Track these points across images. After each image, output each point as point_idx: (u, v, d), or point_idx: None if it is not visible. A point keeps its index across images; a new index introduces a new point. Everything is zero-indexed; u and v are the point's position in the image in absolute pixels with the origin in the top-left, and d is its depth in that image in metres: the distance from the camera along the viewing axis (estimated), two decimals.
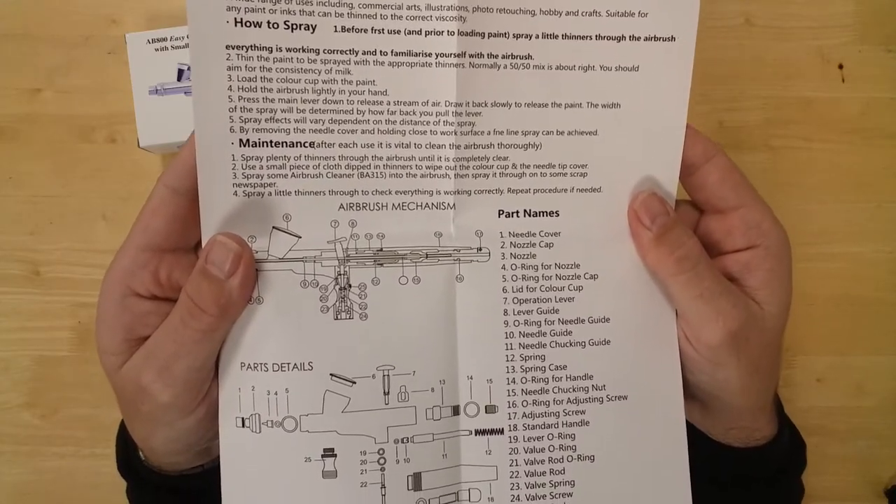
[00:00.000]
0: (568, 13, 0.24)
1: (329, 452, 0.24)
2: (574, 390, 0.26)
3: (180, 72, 0.44)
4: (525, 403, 0.26)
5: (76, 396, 0.48)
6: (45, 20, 0.48)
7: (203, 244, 0.23)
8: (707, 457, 0.29)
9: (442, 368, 0.25)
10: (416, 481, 0.25)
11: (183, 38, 0.44)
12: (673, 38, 0.24)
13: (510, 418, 0.26)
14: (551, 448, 0.26)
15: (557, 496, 0.25)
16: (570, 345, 0.26)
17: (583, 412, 0.26)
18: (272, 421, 0.24)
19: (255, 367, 0.24)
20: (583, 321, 0.26)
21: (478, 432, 0.25)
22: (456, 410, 0.25)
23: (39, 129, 0.48)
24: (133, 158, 0.47)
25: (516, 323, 0.26)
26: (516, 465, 0.26)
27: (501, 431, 0.25)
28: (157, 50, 0.44)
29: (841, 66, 0.50)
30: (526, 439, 0.26)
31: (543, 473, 0.26)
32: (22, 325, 0.48)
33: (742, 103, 0.50)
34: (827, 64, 0.50)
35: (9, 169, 0.48)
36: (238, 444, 0.24)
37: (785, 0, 0.50)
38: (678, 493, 0.26)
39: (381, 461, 0.25)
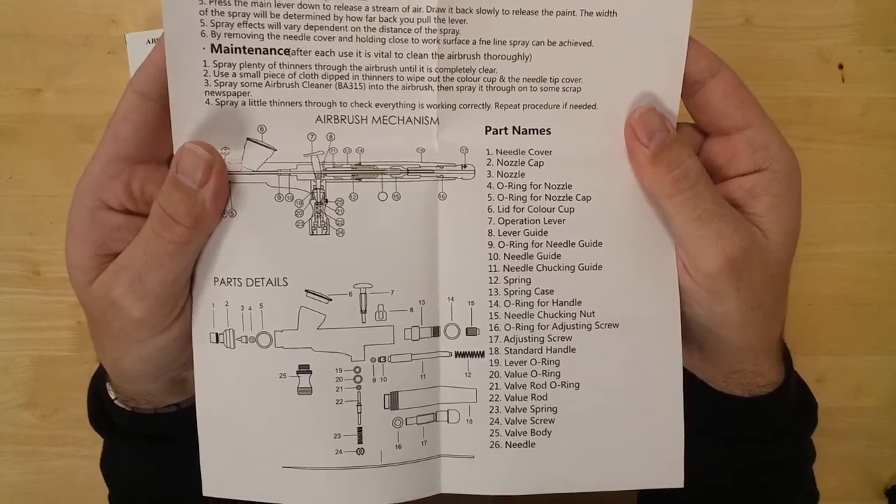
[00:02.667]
0: None
1: (304, 369, 0.24)
2: (560, 315, 0.25)
3: None
4: (508, 327, 0.25)
5: (76, 396, 0.48)
6: (45, 20, 0.48)
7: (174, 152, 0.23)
8: (709, 408, 0.28)
9: (422, 288, 0.24)
10: (394, 400, 0.24)
11: None
12: None
13: (491, 341, 0.25)
14: (534, 373, 0.25)
15: (539, 421, 0.25)
16: (559, 268, 0.25)
17: (569, 338, 0.25)
18: (246, 336, 0.24)
19: (228, 282, 0.23)
20: (573, 244, 0.25)
21: (458, 354, 0.25)
22: (436, 332, 0.25)
23: (39, 129, 0.47)
24: None
25: (501, 244, 0.24)
26: (496, 388, 0.25)
27: (482, 354, 0.25)
28: None
29: (841, 66, 0.50)
30: (507, 363, 0.25)
31: (525, 398, 0.25)
32: (22, 325, 0.48)
33: None
34: (827, 64, 0.50)
35: (9, 169, 0.48)
36: (212, 360, 0.24)
37: (785, 0, 0.50)
38: (670, 426, 0.25)
39: (358, 379, 0.24)
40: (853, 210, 0.50)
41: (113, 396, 0.27)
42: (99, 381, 0.29)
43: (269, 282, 0.23)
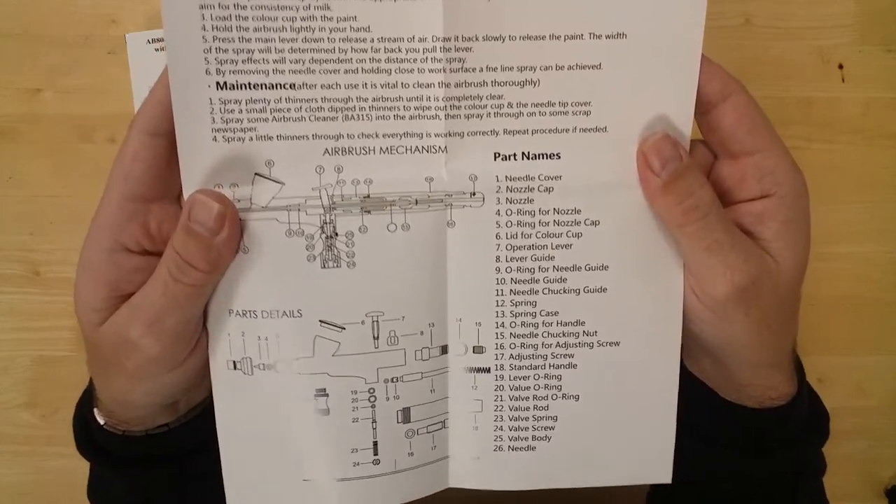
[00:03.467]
0: None
1: (321, 392, 0.25)
2: (564, 335, 0.26)
3: None
4: (513, 346, 0.26)
5: (76, 396, 0.48)
6: (45, 20, 0.48)
7: (184, 194, 0.23)
8: (719, 417, 0.28)
9: (431, 313, 0.25)
10: (406, 415, 0.26)
11: None
12: None
13: (497, 358, 0.26)
14: (536, 387, 0.26)
15: (540, 429, 0.26)
16: (564, 291, 0.25)
17: (571, 356, 0.26)
18: (263, 364, 0.24)
19: (244, 314, 0.24)
20: (579, 268, 0.25)
21: (465, 370, 0.26)
22: (444, 350, 0.26)
23: (39, 129, 0.47)
24: None
25: (508, 269, 0.25)
26: (501, 400, 0.26)
27: (488, 370, 0.26)
28: (157, 50, 0.44)
29: (841, 66, 0.50)
30: (512, 378, 0.26)
31: (527, 409, 0.26)
32: (22, 325, 0.48)
33: None
34: (827, 64, 0.50)
35: (9, 169, 0.48)
36: (230, 386, 0.24)
37: (785, 0, 0.50)
38: (663, 429, 0.26)
39: (372, 399, 0.25)
40: (853, 210, 0.50)
41: (102, 422, 0.27)
42: (85, 407, 0.29)
43: (284, 313, 0.24)
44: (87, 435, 0.28)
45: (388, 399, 0.25)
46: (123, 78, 0.44)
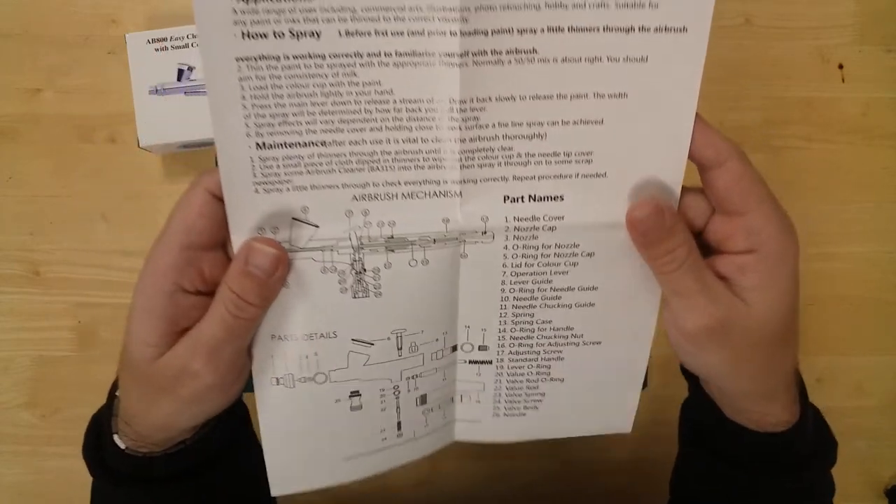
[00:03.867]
0: (575, 6, 0.23)
1: (354, 393, 0.29)
2: (555, 337, 0.30)
3: (180, 72, 0.44)
4: (512, 345, 0.30)
5: (76, 396, 0.48)
6: (45, 20, 0.48)
7: (232, 240, 0.26)
8: (725, 433, 0.30)
9: (445, 324, 0.29)
10: (423, 399, 0.31)
11: (183, 37, 0.44)
12: (685, 30, 0.24)
13: (498, 354, 0.30)
14: (529, 374, 0.31)
15: (530, 402, 0.32)
16: (558, 306, 0.29)
17: (560, 351, 0.30)
18: (304, 377, 0.28)
19: (286, 338, 0.28)
20: (573, 289, 0.29)
21: (471, 362, 0.31)
22: (454, 348, 0.30)
23: (39, 129, 0.48)
24: (133, 158, 0.47)
25: (511, 290, 0.29)
26: (500, 383, 0.31)
27: (490, 362, 0.31)
28: (157, 50, 0.44)
29: (841, 66, 0.50)
30: (509, 368, 0.31)
31: (521, 388, 0.31)
32: (22, 325, 0.48)
33: (742, 103, 0.50)
34: (827, 64, 0.50)
35: (9, 169, 0.48)
36: (274, 398, 0.28)
37: (785, 0, 0.50)
38: (628, 400, 0.32)
39: (396, 393, 0.30)
40: (853, 210, 0.50)
41: (123, 446, 0.29)
42: (100, 435, 0.30)
43: (321, 335, 0.28)
44: (100, 456, 0.30)
45: (409, 391, 0.30)
46: (123, 78, 0.44)
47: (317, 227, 0.25)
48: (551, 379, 0.31)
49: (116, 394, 0.29)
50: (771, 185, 0.51)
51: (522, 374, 0.31)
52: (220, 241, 0.26)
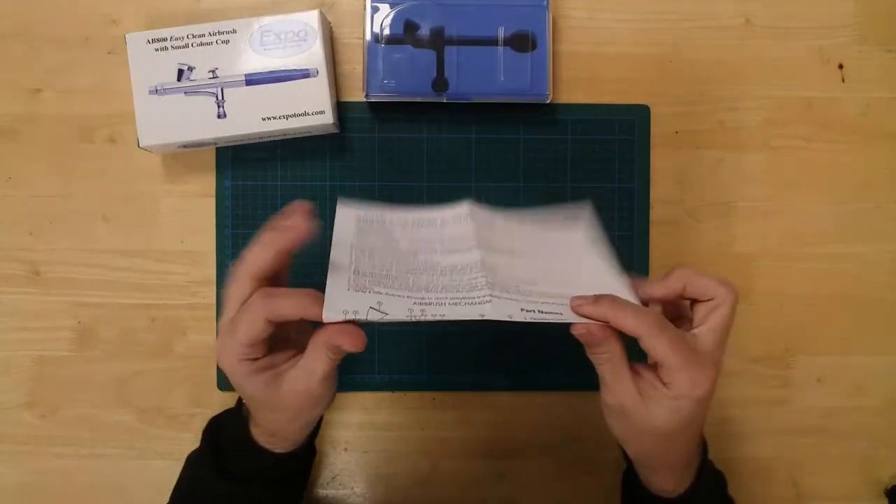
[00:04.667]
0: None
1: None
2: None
3: (180, 72, 0.44)
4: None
5: (76, 396, 0.48)
6: (45, 20, 0.48)
7: (324, 316, 0.32)
8: (638, 490, 0.41)
9: None
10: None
11: (183, 37, 0.44)
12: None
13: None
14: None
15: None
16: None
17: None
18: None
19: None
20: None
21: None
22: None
23: (39, 129, 0.48)
24: (133, 158, 0.47)
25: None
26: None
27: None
28: (157, 50, 0.44)
29: (841, 66, 0.50)
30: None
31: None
32: (22, 325, 0.48)
33: (742, 103, 0.50)
34: (827, 64, 0.50)
35: (9, 169, 0.48)
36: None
37: (785, 0, 0.50)
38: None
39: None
40: (853, 210, 0.50)
41: (261, 444, 0.38)
42: (220, 430, 0.40)
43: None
44: (221, 460, 0.38)
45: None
46: (123, 78, 0.44)
47: (386, 314, 0.33)
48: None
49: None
50: (771, 184, 0.51)
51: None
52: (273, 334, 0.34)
